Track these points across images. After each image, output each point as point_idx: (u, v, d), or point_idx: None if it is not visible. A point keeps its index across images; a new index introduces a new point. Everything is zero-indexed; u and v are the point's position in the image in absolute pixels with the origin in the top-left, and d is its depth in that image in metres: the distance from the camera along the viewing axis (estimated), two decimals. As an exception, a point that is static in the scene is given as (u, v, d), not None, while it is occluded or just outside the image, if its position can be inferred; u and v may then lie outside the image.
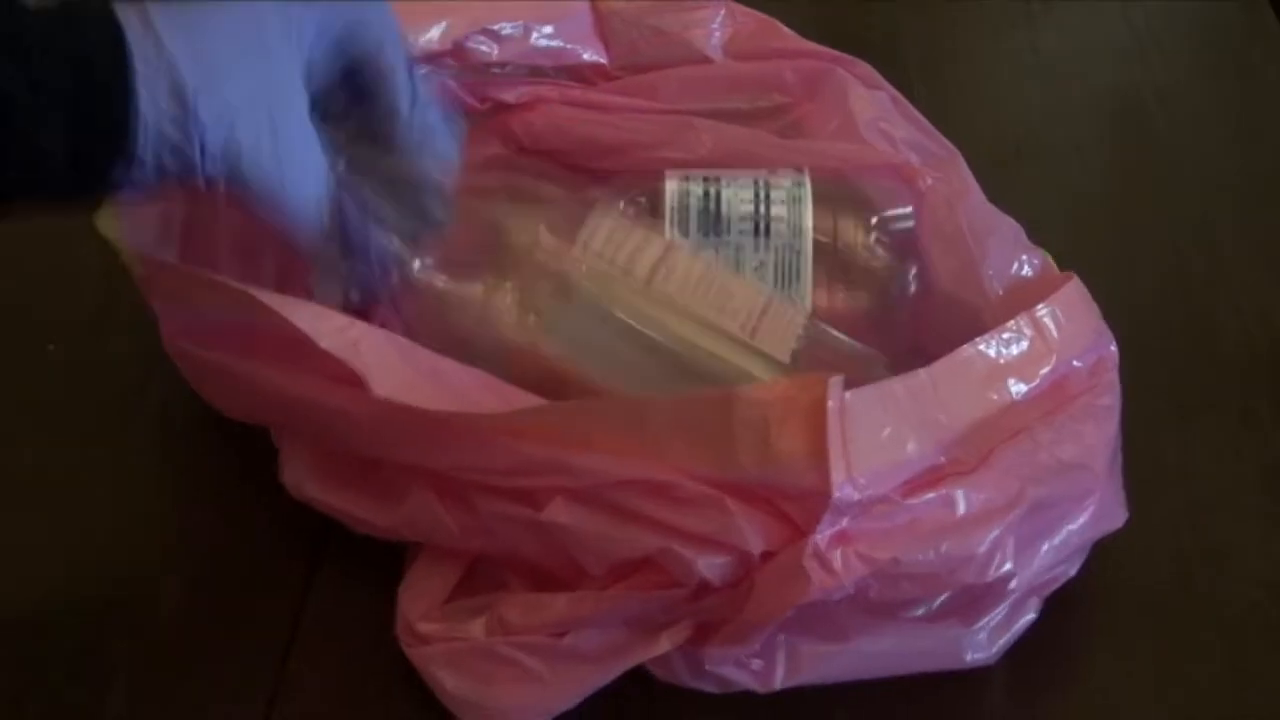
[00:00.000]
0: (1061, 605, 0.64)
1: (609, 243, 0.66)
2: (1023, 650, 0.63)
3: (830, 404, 0.55)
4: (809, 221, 0.70)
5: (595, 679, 0.60)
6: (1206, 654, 0.65)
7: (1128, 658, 0.65)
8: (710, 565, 0.57)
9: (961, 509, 0.59)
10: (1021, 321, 0.62)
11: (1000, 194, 0.74)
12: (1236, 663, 0.65)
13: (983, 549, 0.59)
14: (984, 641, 0.62)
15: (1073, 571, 0.65)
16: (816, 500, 0.56)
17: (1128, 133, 0.90)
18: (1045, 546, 0.61)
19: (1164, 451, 0.72)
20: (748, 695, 0.61)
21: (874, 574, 0.57)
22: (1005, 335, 0.62)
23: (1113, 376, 0.65)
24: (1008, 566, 0.59)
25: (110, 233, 0.66)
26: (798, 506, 0.56)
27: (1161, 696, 0.64)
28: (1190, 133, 0.90)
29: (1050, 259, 0.70)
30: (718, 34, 0.81)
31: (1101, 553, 0.66)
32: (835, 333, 0.68)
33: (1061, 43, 0.97)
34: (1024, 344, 0.62)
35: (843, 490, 0.56)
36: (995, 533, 0.59)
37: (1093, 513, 0.63)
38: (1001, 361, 0.62)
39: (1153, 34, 0.96)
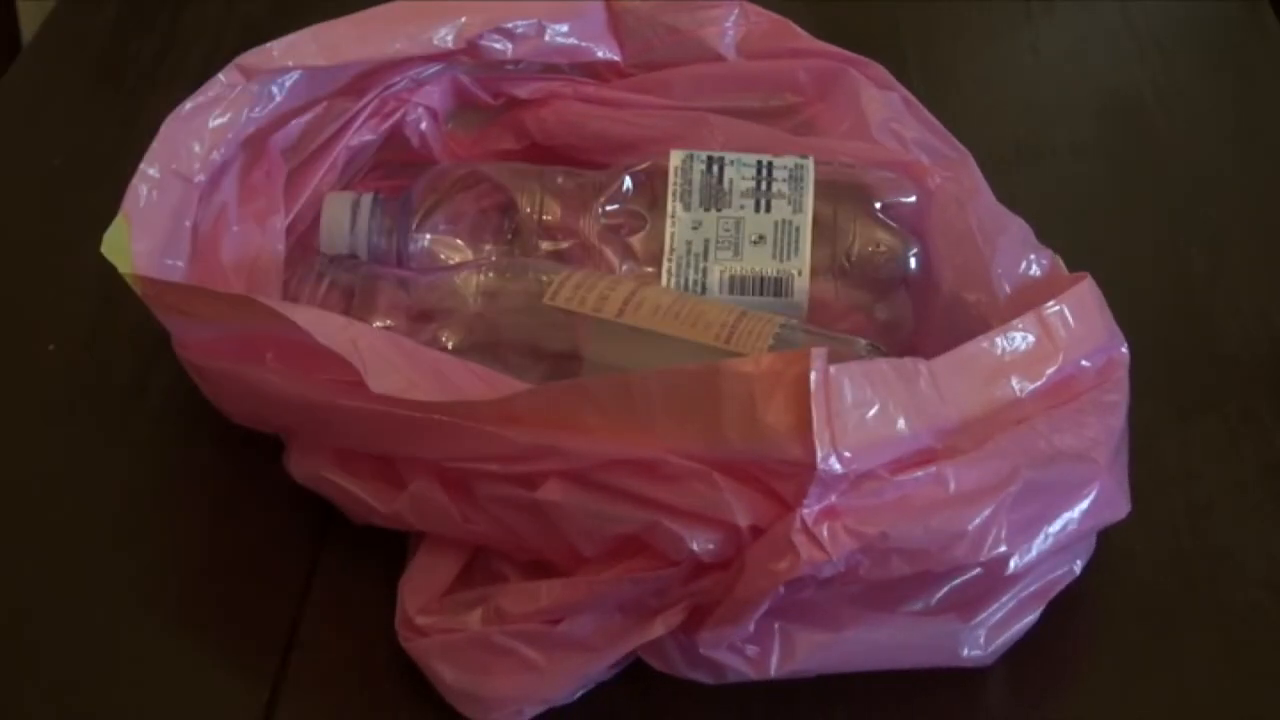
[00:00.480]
0: (1061, 605, 0.64)
1: (577, 290, 0.67)
2: (1022, 650, 0.63)
3: (814, 376, 0.56)
4: (810, 198, 0.71)
5: (592, 666, 0.61)
6: (1206, 654, 0.65)
7: (1128, 658, 0.65)
8: (700, 541, 0.58)
9: (952, 487, 0.59)
10: (1028, 320, 0.63)
11: (1000, 194, 0.74)
12: (1236, 663, 0.65)
13: (974, 526, 0.58)
14: (981, 639, 0.62)
15: (1076, 570, 0.65)
16: (802, 473, 0.56)
17: (1128, 133, 0.90)
18: (1043, 533, 0.61)
19: (1164, 451, 0.72)
20: (744, 690, 0.61)
21: (863, 549, 0.57)
22: (1010, 333, 0.62)
23: (1122, 375, 0.65)
24: (1002, 548, 0.59)
25: (113, 255, 0.67)
26: (785, 482, 0.57)
27: (1162, 696, 0.64)
28: (1190, 133, 0.90)
29: (1059, 260, 0.70)
30: (731, 33, 0.81)
31: (1102, 553, 0.66)
32: (813, 329, 0.68)
33: (1061, 43, 0.97)
34: (1030, 342, 0.62)
35: (828, 463, 0.56)
36: (987, 511, 0.59)
37: (1093, 501, 0.62)
38: (1006, 359, 0.62)
39: (1153, 34, 0.96)
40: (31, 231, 0.84)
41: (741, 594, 0.58)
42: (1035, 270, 0.69)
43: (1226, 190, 0.87)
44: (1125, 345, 0.66)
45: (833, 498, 0.57)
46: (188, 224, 0.72)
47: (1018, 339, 0.62)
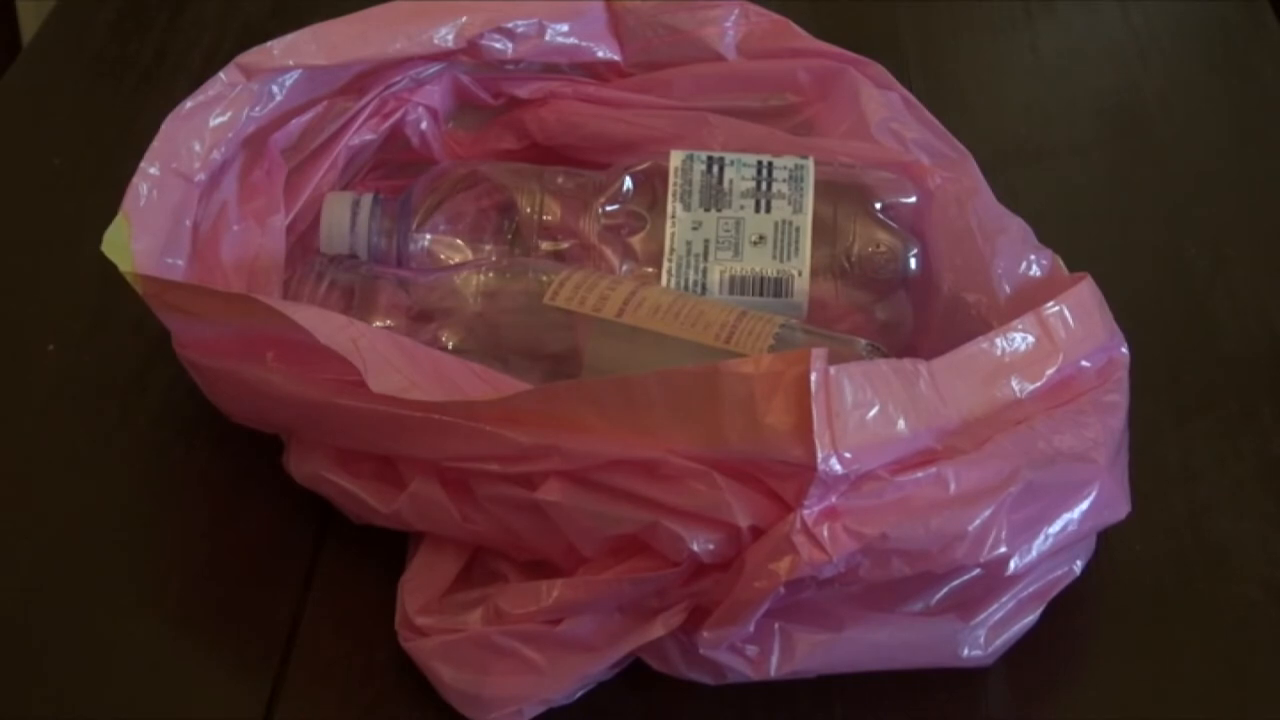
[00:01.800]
0: (1061, 606, 0.64)
1: (577, 290, 0.67)
2: (1022, 650, 0.63)
3: (814, 376, 0.56)
4: (810, 199, 0.71)
5: (591, 667, 0.61)
6: (1206, 654, 0.65)
7: (1128, 658, 0.65)
8: (700, 541, 0.58)
9: (953, 488, 0.59)
10: (1028, 320, 0.63)
11: (1000, 194, 0.74)
12: (1236, 663, 0.65)
13: (974, 527, 0.59)
14: (980, 639, 0.62)
15: (1076, 570, 0.65)
16: (803, 474, 0.56)
17: (1128, 133, 0.90)
18: (1043, 534, 0.61)
19: (1164, 451, 0.72)
20: (745, 690, 0.61)
21: (863, 550, 0.57)
22: (1010, 333, 0.62)
23: (1122, 376, 0.65)
24: (1002, 549, 0.59)
25: (113, 254, 0.67)
26: (785, 482, 0.57)
27: (1161, 696, 0.64)
28: (1190, 133, 0.90)
29: (1059, 260, 0.70)
30: (731, 33, 0.81)
31: (1101, 552, 0.66)
32: (813, 329, 0.68)
33: (1061, 43, 0.97)
34: (1030, 342, 0.62)
35: (828, 464, 0.56)
36: (987, 512, 0.59)
37: (1093, 502, 0.62)
38: (1005, 359, 0.62)
39: (1153, 34, 0.96)
40: (31, 231, 0.84)
41: (741, 594, 0.58)
42: (1035, 270, 0.69)
43: (1226, 190, 0.87)
44: (1125, 345, 0.66)
45: (833, 498, 0.57)
46: (188, 223, 0.72)
47: (1017, 339, 0.62)
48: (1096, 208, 0.86)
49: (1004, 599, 0.63)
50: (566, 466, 0.59)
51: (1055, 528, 0.62)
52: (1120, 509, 0.65)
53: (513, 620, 0.61)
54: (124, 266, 0.67)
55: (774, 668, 0.60)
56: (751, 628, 0.59)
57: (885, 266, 0.72)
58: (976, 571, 0.61)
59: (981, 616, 0.62)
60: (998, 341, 0.62)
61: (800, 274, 0.71)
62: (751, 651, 0.61)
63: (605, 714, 0.62)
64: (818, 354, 0.56)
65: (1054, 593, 0.64)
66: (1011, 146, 0.88)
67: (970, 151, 0.75)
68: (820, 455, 0.56)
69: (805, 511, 0.57)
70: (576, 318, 0.67)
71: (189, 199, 0.72)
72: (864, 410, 0.57)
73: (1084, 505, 0.62)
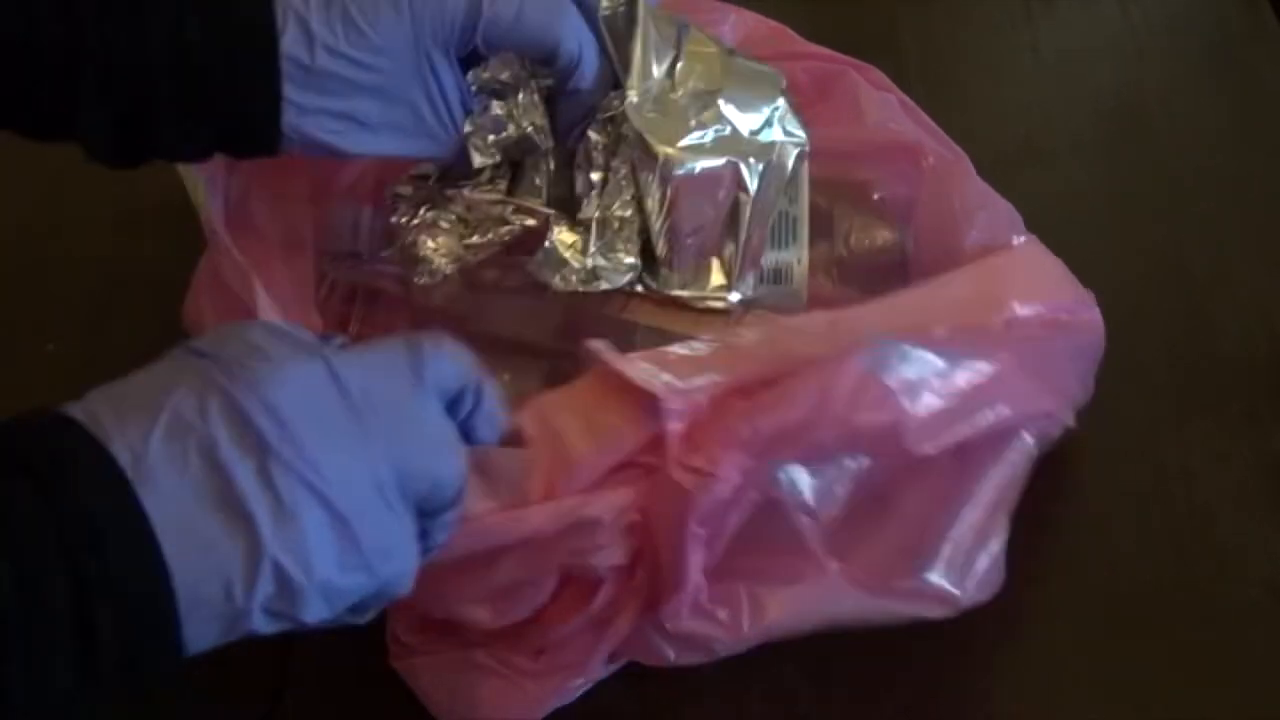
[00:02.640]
0: (1060, 605, 0.64)
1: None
2: (1021, 651, 0.63)
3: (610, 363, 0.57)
4: (805, 189, 0.71)
5: (574, 680, 0.62)
6: (1207, 654, 0.65)
7: (1127, 658, 0.65)
8: (606, 557, 0.59)
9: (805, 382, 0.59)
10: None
11: (1000, 194, 0.74)
12: (1236, 663, 0.65)
13: (850, 382, 0.59)
14: (948, 578, 0.62)
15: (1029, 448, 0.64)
16: (650, 414, 0.57)
17: (1128, 133, 0.90)
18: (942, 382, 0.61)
19: (1164, 451, 0.72)
20: (741, 683, 0.62)
21: (745, 451, 0.57)
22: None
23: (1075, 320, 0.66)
24: (892, 403, 0.59)
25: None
26: (651, 451, 0.57)
27: (1162, 696, 0.64)
28: (1190, 133, 0.90)
29: (1040, 243, 0.70)
30: (729, 37, 0.81)
31: (1101, 552, 0.66)
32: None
33: (1061, 42, 0.97)
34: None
35: (669, 400, 0.57)
36: (859, 364, 0.59)
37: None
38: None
39: (1152, 33, 0.96)
40: (31, 231, 0.84)
41: (664, 555, 0.58)
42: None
43: (1226, 190, 0.87)
44: (1092, 300, 0.66)
45: (689, 427, 0.58)
46: (219, 199, 0.71)
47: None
48: (1096, 207, 0.86)
49: (963, 517, 0.63)
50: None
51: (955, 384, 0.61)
52: (1042, 404, 0.64)
53: (497, 648, 0.62)
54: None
55: (747, 626, 0.61)
56: (703, 580, 0.59)
57: (882, 258, 0.72)
58: (929, 496, 0.61)
59: (945, 551, 0.62)
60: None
61: (800, 261, 0.71)
62: (723, 615, 0.61)
63: (606, 714, 0.62)
64: (597, 344, 0.58)
65: (1010, 497, 0.64)
66: (1011, 146, 0.88)
67: (970, 152, 0.75)
68: (653, 386, 0.57)
69: (674, 453, 0.57)
70: (581, 315, 0.67)
71: (216, 175, 0.71)
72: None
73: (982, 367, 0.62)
